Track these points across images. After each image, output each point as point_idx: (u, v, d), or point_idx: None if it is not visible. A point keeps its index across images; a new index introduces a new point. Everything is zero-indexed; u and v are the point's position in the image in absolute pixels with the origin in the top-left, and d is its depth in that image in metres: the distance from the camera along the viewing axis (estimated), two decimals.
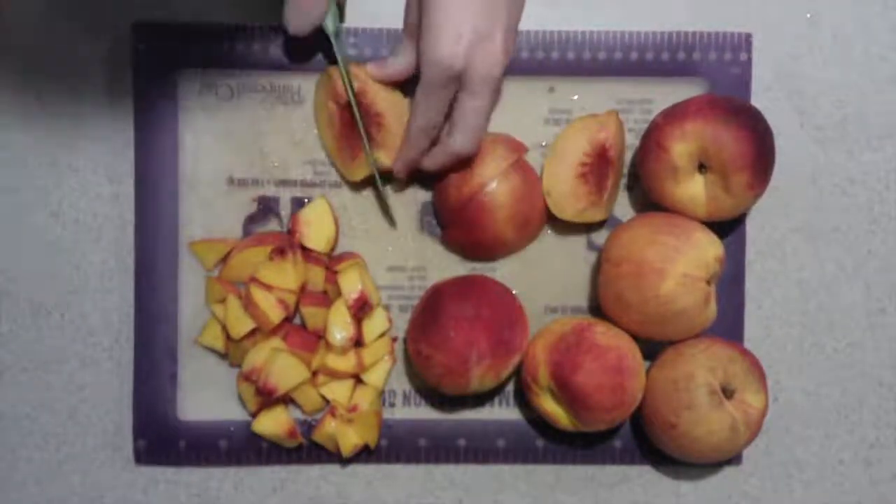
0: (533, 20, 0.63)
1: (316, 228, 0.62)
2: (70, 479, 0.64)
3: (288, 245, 0.61)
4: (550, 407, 0.60)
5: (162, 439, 0.63)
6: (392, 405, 0.64)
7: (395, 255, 0.64)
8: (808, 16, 0.64)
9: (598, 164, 0.61)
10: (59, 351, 0.64)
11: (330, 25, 0.59)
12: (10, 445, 0.64)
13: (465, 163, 0.60)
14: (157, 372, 0.63)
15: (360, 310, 0.61)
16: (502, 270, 0.64)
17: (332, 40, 0.59)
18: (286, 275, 0.60)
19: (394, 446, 0.63)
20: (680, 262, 0.57)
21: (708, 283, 0.58)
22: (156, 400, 0.63)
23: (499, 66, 0.56)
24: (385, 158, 0.61)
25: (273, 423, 0.62)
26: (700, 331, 0.59)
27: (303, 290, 0.62)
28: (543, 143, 0.64)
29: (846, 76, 0.64)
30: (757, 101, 0.64)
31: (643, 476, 0.64)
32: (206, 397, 0.63)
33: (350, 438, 0.62)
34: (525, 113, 0.64)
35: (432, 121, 0.58)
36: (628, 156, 0.64)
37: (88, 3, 0.63)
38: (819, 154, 0.65)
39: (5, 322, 0.63)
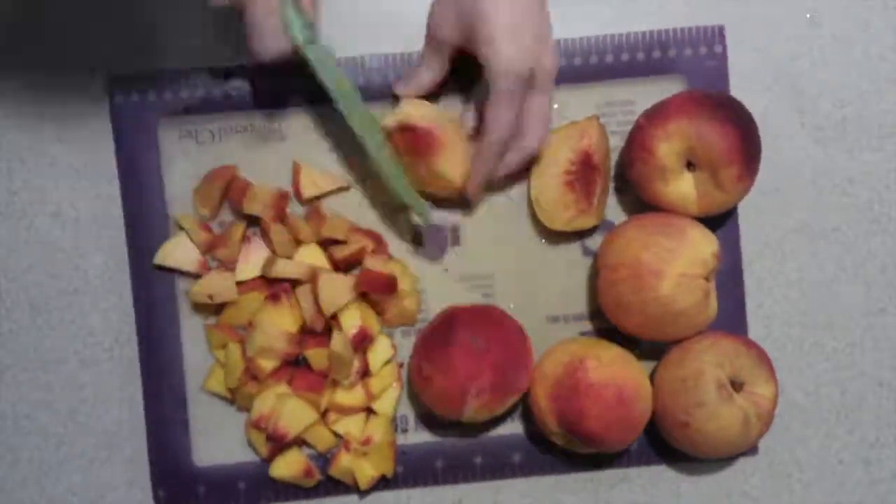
0: None
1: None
2: (70, 479, 0.64)
3: (281, 290, 0.61)
4: (565, 443, 0.60)
5: (181, 487, 0.63)
6: (405, 430, 0.64)
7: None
8: (808, 16, 0.64)
9: (584, 171, 0.61)
10: (59, 351, 0.63)
11: (298, 35, 0.56)
12: (10, 445, 0.64)
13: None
14: (168, 420, 0.63)
15: (361, 343, 0.61)
16: (500, 285, 0.64)
17: (306, 52, 0.56)
18: (284, 318, 0.60)
19: (410, 472, 0.63)
20: (677, 263, 0.57)
21: (707, 279, 0.58)
22: (170, 448, 0.63)
23: (558, 59, 0.58)
24: (450, 172, 0.60)
25: (288, 466, 0.62)
26: (703, 328, 0.59)
27: (303, 329, 0.61)
28: None
29: (846, 76, 0.64)
30: (756, 101, 0.64)
31: (643, 476, 0.64)
32: (219, 441, 0.63)
33: (366, 471, 0.62)
34: None
35: (509, 131, 0.58)
36: (615, 158, 0.64)
37: (64, 53, 0.63)
38: (819, 154, 0.65)
39: (5, 322, 0.63)
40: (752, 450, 0.64)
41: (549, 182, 0.61)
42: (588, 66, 0.63)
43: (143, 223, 0.63)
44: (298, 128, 0.63)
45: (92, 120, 0.63)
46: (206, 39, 0.63)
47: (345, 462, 0.61)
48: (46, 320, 0.63)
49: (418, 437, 0.64)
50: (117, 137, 0.63)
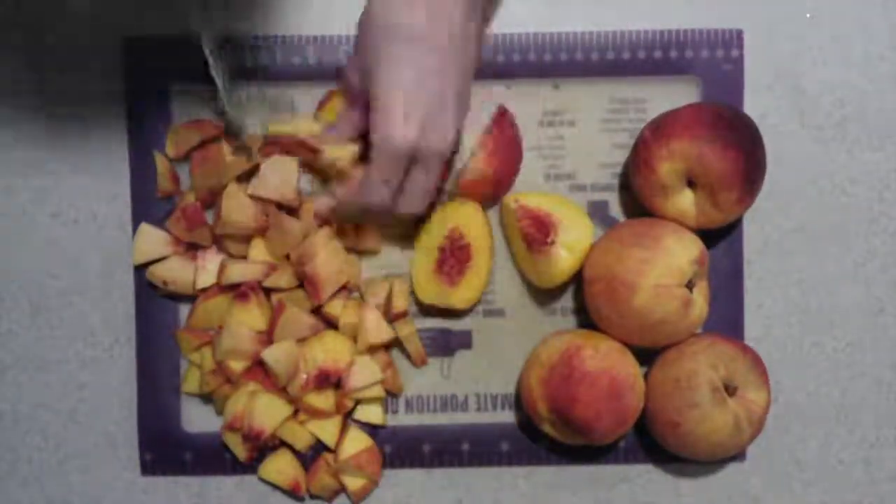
0: (525, 23, 0.63)
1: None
2: (70, 479, 0.64)
3: (248, 288, 0.60)
4: (554, 431, 0.60)
5: (168, 451, 0.63)
6: (395, 412, 0.64)
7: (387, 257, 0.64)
8: (808, 16, 0.64)
9: (455, 252, 0.61)
10: (59, 351, 0.63)
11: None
12: (10, 445, 0.64)
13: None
14: (160, 385, 0.63)
15: (324, 382, 0.60)
16: (500, 274, 0.64)
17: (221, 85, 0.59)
18: (252, 317, 0.60)
19: (398, 452, 0.63)
20: (650, 274, 0.56)
21: (688, 286, 0.57)
22: (160, 412, 0.63)
23: (450, 141, 0.55)
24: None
25: (278, 472, 0.62)
26: (689, 333, 0.59)
27: (272, 325, 0.61)
28: (541, 146, 0.64)
29: (846, 76, 0.64)
30: (756, 100, 0.64)
31: (643, 475, 0.64)
32: (209, 409, 0.63)
33: (353, 484, 0.62)
34: (519, 116, 0.63)
35: (383, 197, 0.55)
36: (623, 155, 0.63)
37: (81, 17, 0.63)
38: (819, 154, 0.65)
39: (5, 322, 0.63)
40: (740, 455, 0.64)
41: (422, 257, 0.62)
42: (604, 62, 0.63)
43: (149, 185, 0.63)
44: (310, 101, 0.63)
45: (94, 118, 0.63)
46: (223, 8, 0.63)
47: (325, 480, 0.62)
48: (46, 320, 0.63)
49: (407, 419, 0.64)
50: (129, 99, 0.63)
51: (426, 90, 0.53)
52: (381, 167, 0.54)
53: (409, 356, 0.63)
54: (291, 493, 0.63)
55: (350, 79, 0.57)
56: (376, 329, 0.61)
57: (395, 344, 0.63)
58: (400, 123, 0.53)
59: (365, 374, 0.61)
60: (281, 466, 0.62)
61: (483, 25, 0.56)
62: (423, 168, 0.55)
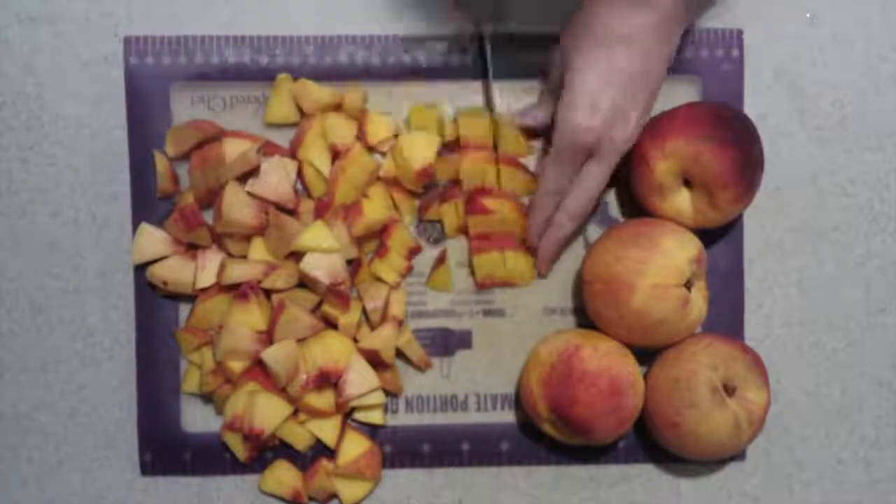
0: (525, 21, 0.63)
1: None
2: (70, 479, 0.64)
3: (248, 287, 0.60)
4: (554, 431, 0.60)
5: (168, 451, 0.63)
6: (395, 411, 0.64)
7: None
8: (808, 15, 0.64)
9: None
10: (59, 351, 0.63)
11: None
12: (10, 445, 0.64)
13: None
14: (160, 384, 0.63)
15: (324, 382, 0.60)
16: None
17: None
18: (252, 316, 0.60)
19: (397, 452, 0.63)
20: (648, 274, 0.56)
21: (687, 286, 0.57)
22: (160, 412, 0.63)
23: (629, 143, 0.57)
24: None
25: (277, 484, 0.62)
26: (688, 332, 0.59)
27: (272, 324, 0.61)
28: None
29: (846, 76, 0.64)
30: (756, 100, 0.64)
31: (643, 475, 0.64)
32: (209, 409, 0.63)
33: (351, 494, 0.62)
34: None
35: (560, 185, 0.59)
36: None
37: (81, 17, 0.63)
38: (819, 154, 0.65)
39: (5, 322, 0.63)
40: (740, 455, 0.64)
41: None
42: None
43: (149, 186, 0.63)
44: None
45: (94, 118, 0.63)
46: (223, 7, 0.63)
47: (323, 482, 0.62)
48: (46, 320, 0.63)
49: (407, 419, 0.64)
50: (129, 98, 0.63)
51: (615, 89, 0.55)
52: (559, 154, 0.57)
53: (410, 362, 0.63)
54: (293, 501, 0.63)
55: (554, 71, 0.60)
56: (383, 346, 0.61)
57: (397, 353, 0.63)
58: (585, 117, 0.55)
59: (362, 381, 0.61)
60: (280, 477, 0.62)
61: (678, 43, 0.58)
62: (598, 161, 0.57)
